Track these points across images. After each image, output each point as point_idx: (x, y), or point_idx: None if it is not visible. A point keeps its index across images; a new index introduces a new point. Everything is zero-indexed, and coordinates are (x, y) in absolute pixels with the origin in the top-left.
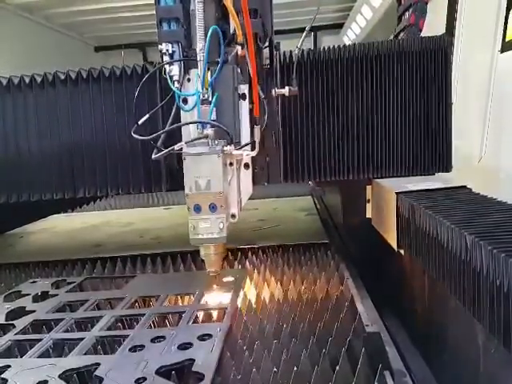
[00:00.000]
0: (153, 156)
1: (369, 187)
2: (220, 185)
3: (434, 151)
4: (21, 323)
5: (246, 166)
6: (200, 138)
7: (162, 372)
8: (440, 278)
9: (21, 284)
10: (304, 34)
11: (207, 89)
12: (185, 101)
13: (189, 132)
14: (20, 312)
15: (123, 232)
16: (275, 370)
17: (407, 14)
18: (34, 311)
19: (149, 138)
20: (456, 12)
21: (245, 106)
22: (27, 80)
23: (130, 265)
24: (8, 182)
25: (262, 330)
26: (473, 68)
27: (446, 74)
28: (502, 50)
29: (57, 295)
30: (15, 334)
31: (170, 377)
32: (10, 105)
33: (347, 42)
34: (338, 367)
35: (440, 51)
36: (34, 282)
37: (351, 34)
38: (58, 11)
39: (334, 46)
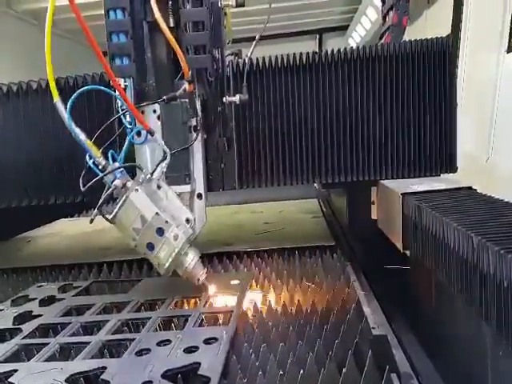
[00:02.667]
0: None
1: (374, 189)
2: (152, 209)
3: (439, 152)
4: (28, 327)
5: (199, 196)
6: (109, 194)
7: (168, 375)
8: (447, 280)
9: (28, 288)
10: (254, 43)
11: (100, 156)
12: (138, 134)
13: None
14: (27, 316)
15: None
16: (281, 373)
17: (390, 13)
18: (40, 315)
19: (84, 188)
20: (462, 13)
21: (196, 137)
22: (34, 86)
23: (136, 268)
24: (15, 186)
25: (268, 333)
26: (479, 68)
27: (450, 76)
28: (509, 50)
29: (63, 299)
30: (22, 338)
31: (176, 380)
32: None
33: (353, 44)
34: (344, 370)
35: (444, 53)
36: (40, 286)
37: (356, 36)
38: (64, 17)
39: (344, 48)
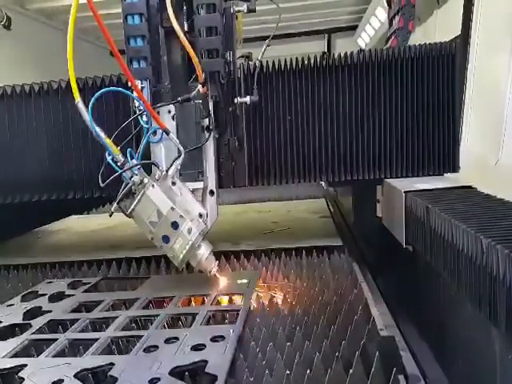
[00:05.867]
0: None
1: (379, 187)
2: (168, 204)
3: (442, 153)
4: (37, 323)
5: (211, 192)
6: (128, 190)
7: (176, 373)
8: (450, 277)
9: (38, 284)
10: (264, 46)
11: (118, 154)
12: (154, 133)
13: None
14: (37, 312)
15: (138, 233)
16: (288, 372)
17: (397, 17)
18: (50, 311)
19: (104, 184)
20: (472, 13)
21: (209, 137)
22: (45, 87)
23: (145, 266)
24: (35, 180)
25: (275, 332)
26: (490, 68)
27: (454, 78)
28: None
29: (73, 295)
30: (32, 334)
31: (184, 378)
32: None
33: (362, 44)
34: (351, 371)
35: (448, 56)
36: (50, 282)
37: (365, 36)
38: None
39: (351, 52)
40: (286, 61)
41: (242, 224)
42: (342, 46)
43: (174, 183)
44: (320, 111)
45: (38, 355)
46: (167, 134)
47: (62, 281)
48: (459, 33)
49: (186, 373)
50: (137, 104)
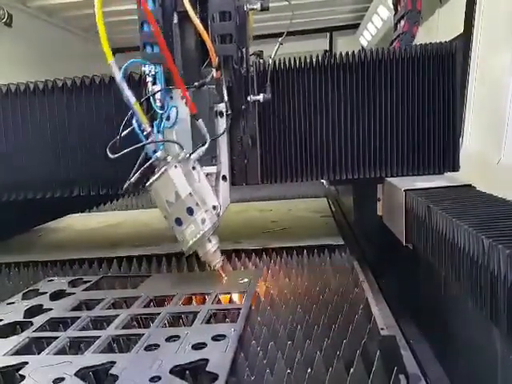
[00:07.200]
0: (124, 186)
1: (379, 186)
2: (186, 188)
3: (442, 152)
4: (38, 321)
5: (224, 178)
6: (152, 164)
7: (177, 371)
8: (450, 277)
9: (38, 282)
10: (277, 44)
11: (146, 123)
12: (167, 118)
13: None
14: (37, 310)
15: (140, 232)
16: (289, 371)
17: (402, 22)
18: (51, 309)
19: (114, 156)
20: (474, 13)
21: (222, 123)
22: (41, 86)
23: (146, 264)
24: (39, 178)
25: (276, 332)
26: (491, 68)
27: (455, 78)
28: None
29: (73, 294)
30: (33, 332)
31: (184, 376)
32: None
33: (363, 43)
34: (352, 370)
35: (449, 56)
36: (51, 280)
37: (367, 35)
38: (77, 14)
39: (352, 51)
40: (289, 59)
41: (243, 222)
42: (343, 44)
43: (194, 168)
44: (322, 109)
45: (38, 353)
46: (196, 119)
47: (63, 279)
48: (461, 32)
49: (187, 371)
50: (150, 88)
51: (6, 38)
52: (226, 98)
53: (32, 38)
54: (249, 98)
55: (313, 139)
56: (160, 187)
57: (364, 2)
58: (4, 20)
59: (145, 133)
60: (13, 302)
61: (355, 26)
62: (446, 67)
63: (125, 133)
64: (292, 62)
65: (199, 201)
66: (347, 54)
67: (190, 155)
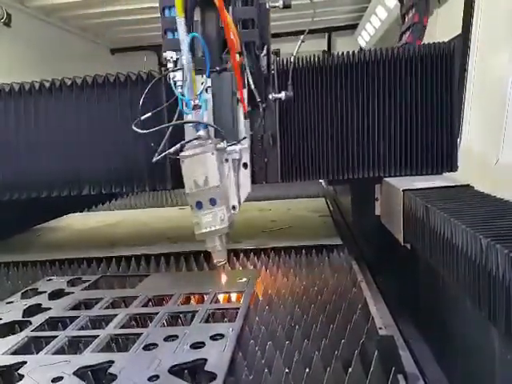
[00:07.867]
0: (153, 159)
1: (377, 186)
2: (216, 179)
3: (441, 152)
4: (37, 320)
5: (245, 165)
6: (193, 140)
7: (175, 370)
8: (449, 276)
9: (37, 281)
10: (299, 42)
11: (197, 95)
12: (187, 104)
13: (189, 135)
14: (36, 309)
15: (138, 231)
16: (287, 370)
17: (411, 13)
18: (49, 308)
19: (146, 131)
20: (472, 12)
21: (242, 109)
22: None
23: (144, 264)
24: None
25: (274, 331)
26: (490, 68)
27: (453, 78)
28: None
29: (72, 293)
30: (31, 331)
31: (183, 375)
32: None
33: (362, 43)
34: (350, 369)
35: (447, 56)
36: (50, 279)
37: (365, 35)
38: (75, 13)
39: (343, 52)
40: (287, 58)
41: (242, 222)
42: (342, 44)
43: (227, 160)
44: (322, 109)
45: (37, 352)
46: (246, 118)
47: (62, 278)
48: (460, 31)
49: (186, 371)
50: (172, 76)
51: (4, 38)
52: (251, 83)
53: (31, 38)
54: (270, 96)
55: (313, 138)
56: (192, 165)
57: (362, 3)
58: (3, 20)
59: (191, 106)
60: (12, 302)
61: (353, 27)
62: (445, 67)
63: (145, 117)
64: (291, 62)
65: (223, 196)
66: (347, 53)
67: (227, 147)
